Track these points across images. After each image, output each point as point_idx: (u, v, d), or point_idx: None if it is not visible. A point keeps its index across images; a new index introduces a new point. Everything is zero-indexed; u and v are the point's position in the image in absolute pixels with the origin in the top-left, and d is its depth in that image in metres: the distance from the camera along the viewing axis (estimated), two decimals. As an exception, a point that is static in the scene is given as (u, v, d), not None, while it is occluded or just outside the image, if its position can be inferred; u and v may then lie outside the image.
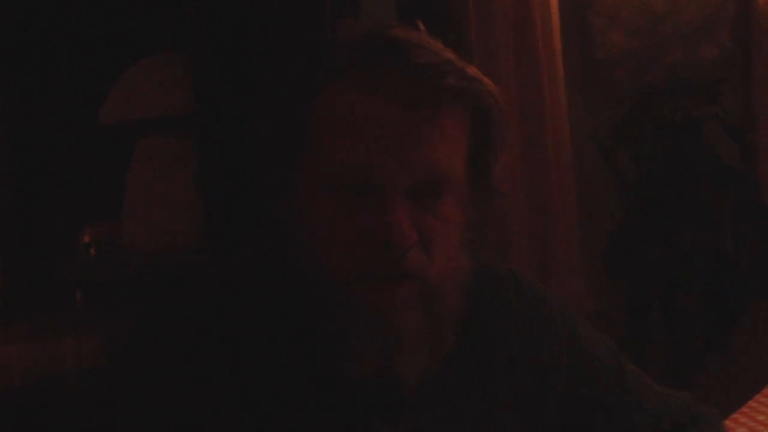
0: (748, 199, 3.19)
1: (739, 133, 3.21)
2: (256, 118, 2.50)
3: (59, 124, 3.25)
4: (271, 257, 1.23)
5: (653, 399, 1.37)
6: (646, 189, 3.24)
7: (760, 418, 1.78)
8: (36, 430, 2.36)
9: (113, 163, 3.19)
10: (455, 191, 1.18)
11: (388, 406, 1.20)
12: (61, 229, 3.20)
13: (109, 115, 3.13)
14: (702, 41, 3.31)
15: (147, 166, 3.11)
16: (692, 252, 3.14)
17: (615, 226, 3.28)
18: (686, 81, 3.26)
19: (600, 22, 3.40)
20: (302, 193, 1.17)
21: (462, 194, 1.20)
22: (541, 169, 3.07)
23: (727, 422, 1.69)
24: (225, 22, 2.94)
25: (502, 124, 1.21)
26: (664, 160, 3.21)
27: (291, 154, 1.18)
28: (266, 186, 1.22)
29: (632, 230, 3.24)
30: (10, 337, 2.76)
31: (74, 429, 1.27)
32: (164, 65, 3.14)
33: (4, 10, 3.24)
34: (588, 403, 1.33)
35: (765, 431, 1.73)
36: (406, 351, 1.14)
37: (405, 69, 1.12)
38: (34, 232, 3.24)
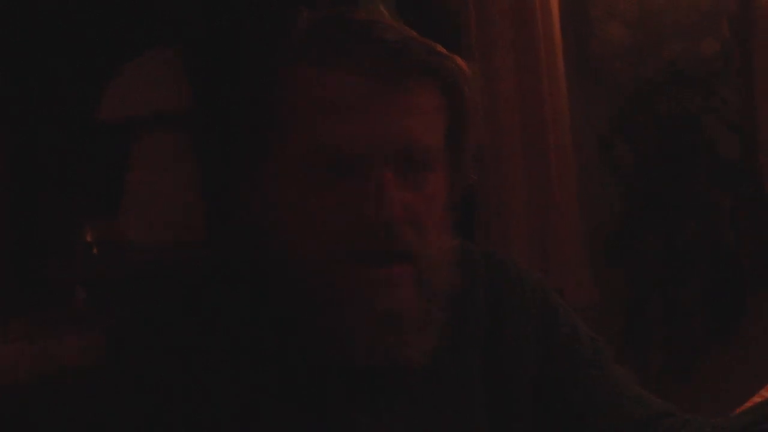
0: (748, 192, 3.18)
1: (739, 126, 3.21)
2: (233, 108, 2.52)
3: (57, 121, 3.25)
4: (254, 247, 1.22)
5: (631, 390, 1.35)
6: (645, 182, 3.24)
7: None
8: (35, 429, 2.36)
9: (113, 160, 3.18)
10: (437, 168, 1.18)
11: (377, 390, 1.20)
12: (61, 226, 3.20)
13: (106, 112, 3.13)
14: (701, 34, 3.31)
15: (146, 163, 3.11)
16: (692, 245, 3.14)
17: (614, 219, 3.28)
18: (685, 74, 3.25)
19: (598, 14, 3.40)
20: (279, 179, 1.16)
21: (443, 172, 1.20)
22: (541, 163, 3.06)
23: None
24: (217, 16, 2.95)
25: (474, 102, 1.21)
26: (663, 153, 3.21)
27: (261, 140, 1.18)
28: (242, 176, 1.21)
29: (631, 223, 3.24)
30: (11, 335, 2.76)
31: (72, 427, 1.27)
32: (161, 61, 3.14)
33: (1, 8, 3.23)
34: (564, 384, 1.32)
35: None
36: (406, 333, 1.14)
37: (368, 44, 1.13)
38: (34, 230, 3.24)
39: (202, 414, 1.16)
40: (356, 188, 1.12)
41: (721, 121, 3.19)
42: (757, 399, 1.76)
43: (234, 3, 2.87)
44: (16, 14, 3.22)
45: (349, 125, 1.12)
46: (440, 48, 1.18)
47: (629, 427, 1.30)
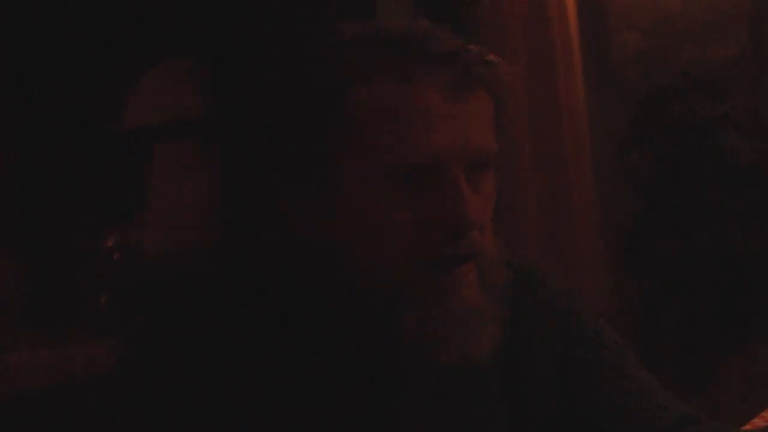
0: (762, 198, 3.19)
1: (752, 132, 3.21)
2: (274, 120, 2.52)
3: (78, 129, 3.27)
4: (285, 256, 1.23)
5: (658, 397, 1.35)
6: (660, 187, 3.24)
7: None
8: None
9: (134, 168, 3.20)
10: (492, 169, 1.22)
11: (409, 392, 1.23)
12: (81, 234, 3.21)
13: (128, 120, 3.15)
14: (715, 41, 3.31)
15: (165, 171, 3.13)
16: (706, 250, 3.14)
17: (630, 224, 3.28)
18: (699, 80, 3.26)
19: (613, 22, 3.40)
20: (348, 192, 1.18)
21: (494, 173, 1.23)
22: (558, 169, 3.07)
23: (746, 428, 1.64)
24: (240, 25, 2.96)
25: (510, 105, 1.25)
26: (678, 159, 3.21)
27: (325, 155, 1.19)
28: (296, 188, 1.23)
29: (647, 228, 3.24)
30: (30, 341, 2.78)
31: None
32: (182, 69, 3.16)
33: (20, 14, 3.25)
34: (588, 389, 1.33)
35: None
36: (479, 332, 1.17)
37: (433, 58, 1.15)
38: (54, 237, 3.26)
39: (223, 422, 1.16)
40: (433, 195, 1.15)
41: (734, 126, 3.19)
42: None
43: (258, 12, 2.88)
44: (34, 19, 3.24)
45: (424, 133, 1.14)
46: (493, 56, 1.21)
47: (656, 430, 1.32)
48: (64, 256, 3.19)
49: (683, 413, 1.34)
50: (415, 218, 1.15)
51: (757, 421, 1.66)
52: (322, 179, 1.19)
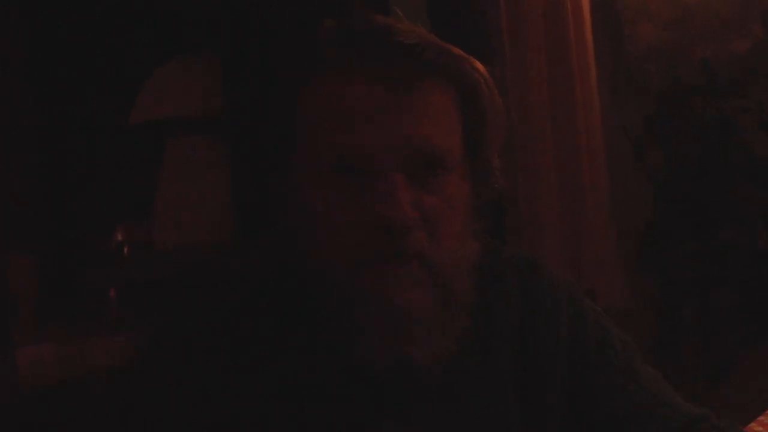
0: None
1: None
2: (257, 116, 2.55)
3: (90, 125, 3.27)
4: (280, 249, 1.23)
5: (664, 395, 1.33)
6: (678, 184, 3.22)
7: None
8: (68, 429, 2.38)
9: (144, 163, 3.21)
10: (455, 171, 1.18)
11: (400, 391, 1.20)
12: (93, 229, 3.22)
13: (139, 115, 3.16)
14: (734, 34, 3.29)
15: (178, 165, 3.13)
16: (726, 247, 3.12)
17: (647, 222, 3.26)
18: (718, 75, 3.23)
19: (629, 16, 3.38)
20: (300, 182, 1.18)
21: (463, 175, 1.20)
22: (573, 165, 3.06)
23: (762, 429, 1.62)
24: (248, 21, 2.96)
25: (495, 104, 1.22)
26: (697, 155, 3.20)
27: (284, 146, 1.20)
28: (268, 179, 1.23)
29: (665, 226, 3.22)
30: (46, 336, 2.79)
31: (104, 429, 1.28)
32: (193, 65, 3.16)
33: (40, 10, 3.26)
34: (596, 389, 1.31)
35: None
36: (415, 333, 1.14)
37: (384, 49, 1.14)
38: (67, 232, 3.27)
39: (233, 413, 1.17)
40: (366, 191, 1.13)
41: (754, 121, 3.16)
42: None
43: (266, 10, 2.88)
44: (53, 16, 3.25)
45: (358, 129, 1.13)
46: (455, 50, 1.19)
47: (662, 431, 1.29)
48: (74, 252, 3.20)
49: (690, 412, 1.32)
50: (350, 215, 1.13)
51: (754, 426, 1.63)
52: (283, 172, 1.20)
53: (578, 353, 1.32)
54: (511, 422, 1.28)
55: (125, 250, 3.10)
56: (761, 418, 1.63)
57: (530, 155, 2.99)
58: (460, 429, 1.24)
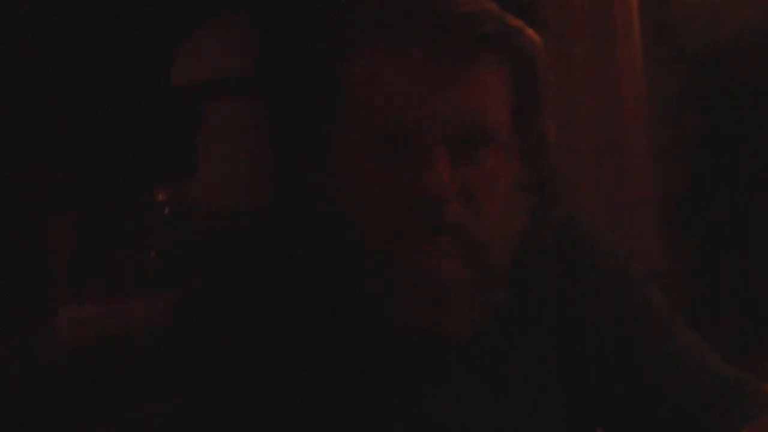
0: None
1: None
2: (295, 85, 2.52)
3: (132, 86, 3.28)
4: (319, 216, 1.23)
5: (705, 359, 1.32)
6: (716, 149, 3.20)
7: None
8: (107, 389, 2.40)
9: (186, 123, 3.21)
10: (500, 145, 1.16)
11: (437, 361, 1.20)
12: (134, 189, 3.23)
13: (178, 77, 3.16)
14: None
15: (216, 127, 3.14)
16: (762, 213, 3.10)
17: (685, 185, 3.24)
18: (759, 39, 3.20)
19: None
20: (343, 150, 1.17)
21: (510, 149, 1.18)
22: (614, 129, 3.04)
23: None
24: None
25: (547, 77, 1.19)
26: (735, 119, 3.17)
27: (328, 112, 1.18)
28: (308, 148, 1.22)
29: (702, 190, 3.20)
30: (85, 296, 2.81)
31: (142, 388, 1.30)
32: (230, 26, 3.16)
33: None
34: (636, 351, 1.30)
35: None
36: (450, 304, 1.13)
37: (436, 17, 1.11)
38: (107, 192, 3.28)
39: (266, 376, 1.18)
40: (407, 163, 1.12)
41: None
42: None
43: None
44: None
45: (410, 104, 1.11)
46: (514, 21, 1.16)
47: (703, 397, 1.29)
48: (114, 212, 3.22)
49: (731, 376, 1.31)
50: (388, 186, 1.12)
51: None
52: (323, 145, 1.19)
53: (619, 313, 1.31)
54: (551, 387, 1.28)
55: (165, 210, 3.11)
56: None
57: (569, 119, 2.98)
58: (500, 396, 1.24)
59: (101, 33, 3.29)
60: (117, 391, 2.40)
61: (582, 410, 1.29)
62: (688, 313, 1.38)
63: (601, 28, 3.03)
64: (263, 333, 1.19)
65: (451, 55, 1.11)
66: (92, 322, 2.64)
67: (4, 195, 2.41)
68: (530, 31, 1.17)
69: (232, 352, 1.19)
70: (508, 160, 1.18)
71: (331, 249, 1.19)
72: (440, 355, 1.20)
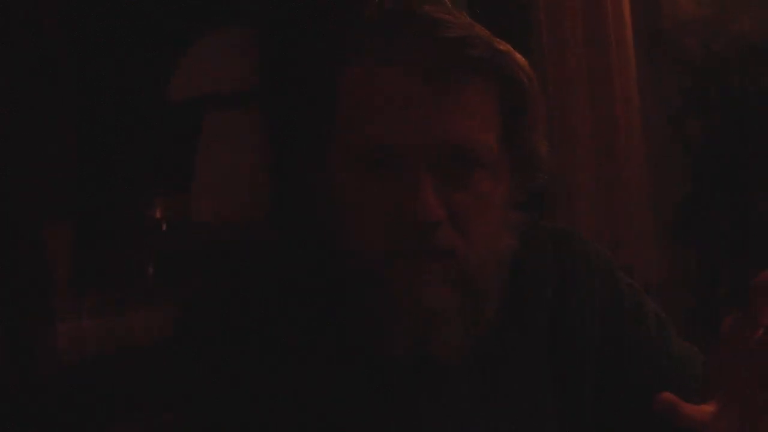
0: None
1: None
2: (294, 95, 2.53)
3: (131, 98, 3.28)
4: (313, 231, 1.23)
5: (698, 368, 1.31)
6: (715, 158, 3.20)
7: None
8: (104, 404, 2.40)
9: (182, 138, 3.22)
10: (489, 168, 1.16)
11: (425, 385, 1.20)
12: (131, 203, 3.23)
13: (178, 89, 3.17)
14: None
15: (215, 141, 3.14)
16: (762, 222, 3.10)
17: (684, 195, 3.25)
18: (757, 48, 3.20)
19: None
20: (333, 169, 1.17)
21: (500, 172, 1.18)
22: (610, 139, 3.05)
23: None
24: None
25: (537, 100, 1.19)
26: (735, 128, 3.17)
27: (320, 130, 1.19)
28: (301, 163, 1.22)
29: (701, 200, 3.20)
30: (84, 310, 2.80)
31: (141, 403, 1.30)
32: (232, 39, 3.17)
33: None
34: (629, 361, 1.30)
35: None
36: (439, 329, 1.13)
37: (427, 41, 1.11)
38: (104, 206, 3.28)
39: (266, 389, 1.18)
40: (393, 186, 1.11)
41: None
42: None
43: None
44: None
45: (389, 123, 1.11)
46: (501, 44, 1.16)
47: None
48: (112, 226, 3.22)
49: None
50: (382, 206, 1.12)
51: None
52: (318, 161, 1.19)
53: (612, 325, 1.31)
54: (546, 396, 1.28)
55: (163, 224, 3.11)
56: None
57: (567, 128, 2.99)
58: (496, 407, 1.24)
59: (104, 41, 3.29)
60: (117, 403, 2.40)
61: (577, 420, 1.29)
62: (686, 323, 1.39)
63: (596, 42, 3.04)
64: (261, 344, 1.19)
65: (440, 79, 1.11)
66: (91, 335, 2.64)
67: (4, 205, 2.41)
68: (518, 55, 1.17)
69: (230, 362, 1.18)
70: (498, 182, 1.18)
71: (327, 264, 1.19)
72: (434, 371, 1.20)
